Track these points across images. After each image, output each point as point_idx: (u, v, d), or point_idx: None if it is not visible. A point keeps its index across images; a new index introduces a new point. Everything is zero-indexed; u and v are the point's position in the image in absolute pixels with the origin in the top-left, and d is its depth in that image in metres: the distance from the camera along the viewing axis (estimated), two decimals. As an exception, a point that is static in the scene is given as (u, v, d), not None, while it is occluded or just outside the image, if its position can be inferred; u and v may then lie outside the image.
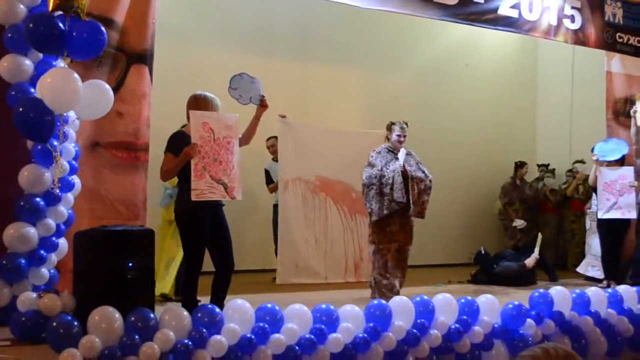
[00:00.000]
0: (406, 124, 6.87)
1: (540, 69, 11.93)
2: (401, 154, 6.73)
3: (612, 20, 8.17)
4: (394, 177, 6.56)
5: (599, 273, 8.63)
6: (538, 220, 10.63)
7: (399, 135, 6.80)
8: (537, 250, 8.67)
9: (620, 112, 8.60)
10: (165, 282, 6.72)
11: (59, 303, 4.27)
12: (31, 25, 4.52)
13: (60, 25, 4.49)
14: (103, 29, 4.66)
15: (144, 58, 5.63)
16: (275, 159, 8.40)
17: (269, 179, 8.45)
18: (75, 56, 4.66)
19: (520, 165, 10.44)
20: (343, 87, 9.95)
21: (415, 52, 10.65)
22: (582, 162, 10.05)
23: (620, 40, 8.25)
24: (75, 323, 3.97)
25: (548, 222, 10.49)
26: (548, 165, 10.92)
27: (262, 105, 5.40)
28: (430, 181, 6.75)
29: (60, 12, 4.52)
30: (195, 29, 8.96)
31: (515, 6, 7.40)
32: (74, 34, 4.49)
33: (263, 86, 5.44)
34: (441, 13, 6.99)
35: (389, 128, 6.89)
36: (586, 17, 7.95)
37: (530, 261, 8.53)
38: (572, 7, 7.84)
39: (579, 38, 7.98)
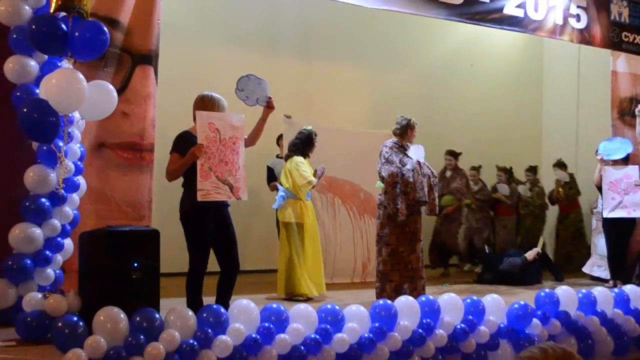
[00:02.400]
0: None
1: (545, 68, 11.89)
2: (418, 150, 6.69)
3: (618, 20, 8.15)
4: (414, 176, 6.45)
5: (605, 273, 8.60)
6: (493, 221, 10.25)
7: (414, 132, 6.80)
8: (540, 244, 8.78)
9: (625, 112, 8.58)
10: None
11: (65, 303, 4.27)
12: (34, 26, 4.53)
13: (63, 26, 4.49)
14: (105, 28, 4.65)
15: (149, 58, 5.63)
16: (280, 156, 8.31)
17: (272, 177, 8.36)
18: (78, 56, 4.66)
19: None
20: (347, 86, 9.95)
21: (420, 51, 10.64)
22: (562, 164, 9.89)
23: (626, 39, 8.23)
24: (81, 323, 3.98)
25: (505, 224, 10.12)
26: (510, 169, 10.26)
27: (269, 106, 5.42)
28: (435, 177, 6.73)
29: (63, 13, 4.53)
30: (200, 29, 8.96)
31: (520, 5, 7.39)
32: (77, 34, 4.49)
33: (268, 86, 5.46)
34: (446, 13, 6.98)
35: (411, 126, 6.77)
36: (592, 16, 7.93)
37: (531, 254, 8.60)
38: (578, 6, 7.83)
39: (584, 37, 7.96)
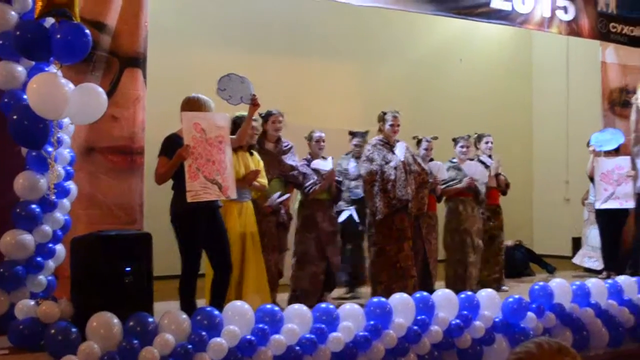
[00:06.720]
0: (398, 113, 6.66)
1: (535, 61, 11.91)
2: (400, 148, 6.53)
3: (605, 11, 8.15)
4: (396, 174, 6.34)
5: (596, 264, 8.63)
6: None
7: (392, 125, 6.58)
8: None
9: (615, 102, 8.61)
10: None
11: (57, 310, 4.25)
12: (18, 32, 4.50)
13: (47, 30, 4.45)
14: (87, 30, 4.57)
15: (137, 61, 5.61)
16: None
17: None
18: (61, 60, 4.60)
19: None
20: (335, 83, 9.88)
21: (408, 47, 10.60)
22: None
23: (614, 30, 8.22)
24: (74, 330, 3.96)
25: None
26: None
27: (254, 104, 5.37)
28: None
29: (50, 19, 4.49)
30: (189, 30, 8.91)
31: (507, -1, 7.38)
32: (58, 36, 4.43)
33: (255, 85, 5.42)
34: (433, 8, 6.97)
35: (381, 119, 6.65)
36: (579, 7, 7.92)
37: (509, 241, 8.76)
38: (565, -2, 7.84)
39: (572, 29, 7.95)
